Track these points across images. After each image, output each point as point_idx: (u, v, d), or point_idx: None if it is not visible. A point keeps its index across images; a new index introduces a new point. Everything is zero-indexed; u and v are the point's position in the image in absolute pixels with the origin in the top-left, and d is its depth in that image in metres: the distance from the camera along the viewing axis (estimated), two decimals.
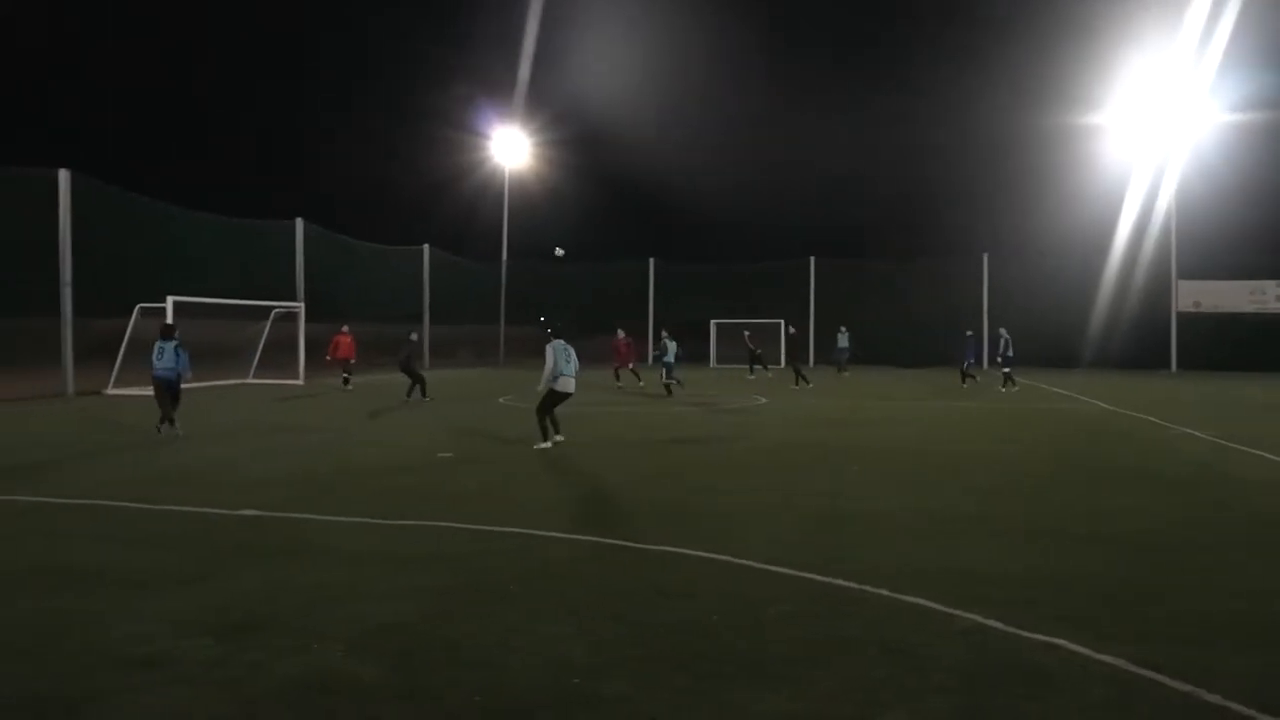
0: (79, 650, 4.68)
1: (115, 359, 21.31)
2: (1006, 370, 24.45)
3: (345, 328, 23.81)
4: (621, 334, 25.57)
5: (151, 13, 64.58)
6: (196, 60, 66.43)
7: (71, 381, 20.43)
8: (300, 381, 25.59)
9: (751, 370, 30.40)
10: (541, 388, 12.56)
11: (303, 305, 26.79)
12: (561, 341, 12.55)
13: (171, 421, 13.50)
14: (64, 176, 20.41)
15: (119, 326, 21.46)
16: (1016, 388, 24.04)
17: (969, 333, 27.23)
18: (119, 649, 4.67)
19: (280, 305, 26.18)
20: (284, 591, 5.68)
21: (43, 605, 5.43)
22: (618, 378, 25.27)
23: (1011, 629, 5.00)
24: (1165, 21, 36.76)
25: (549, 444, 12.26)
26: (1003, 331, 25.08)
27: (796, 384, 25.78)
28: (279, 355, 26.94)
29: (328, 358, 23.76)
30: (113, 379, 21.14)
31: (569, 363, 12.44)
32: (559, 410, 12.72)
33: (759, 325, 40.31)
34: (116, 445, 12.95)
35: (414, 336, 21.80)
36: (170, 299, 20.61)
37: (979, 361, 28.02)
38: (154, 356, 13.77)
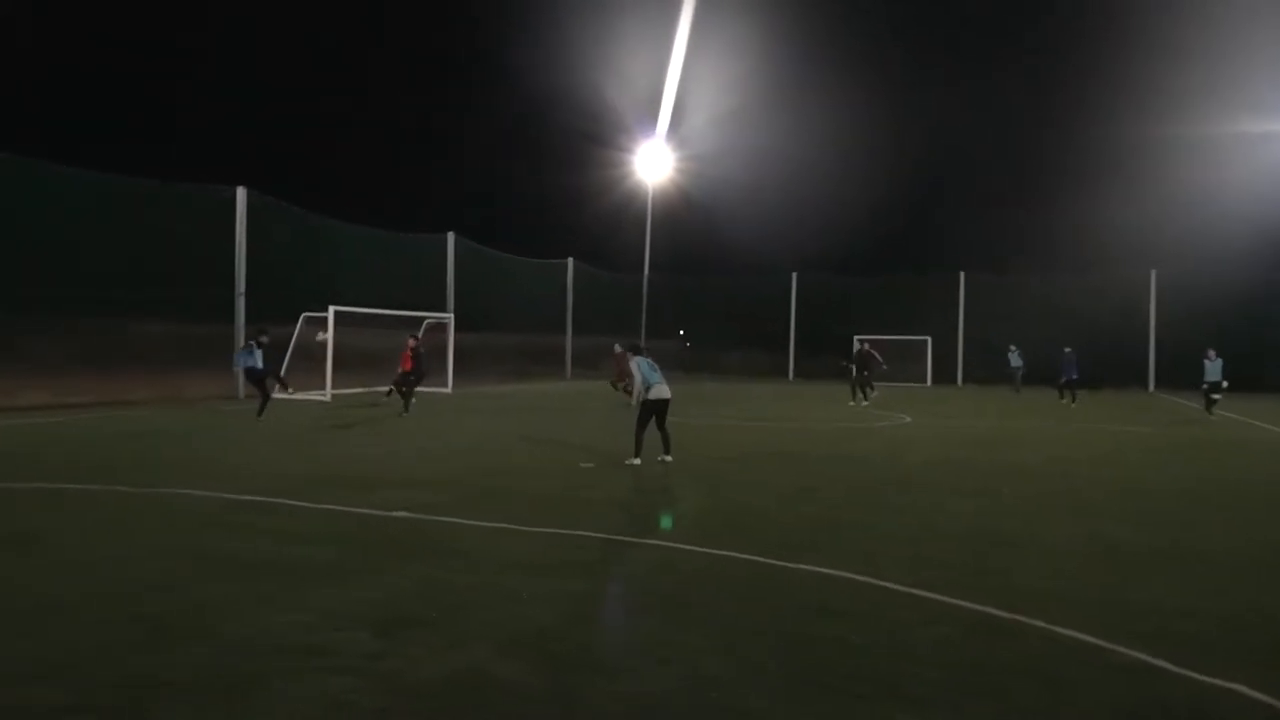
0: (245, 636, 4.96)
1: (281, 364, 22.61)
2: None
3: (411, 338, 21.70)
4: (618, 347, 23.01)
5: (311, 34, 68.61)
6: (356, 79, 70.19)
7: (242, 385, 21.81)
8: (448, 390, 26.52)
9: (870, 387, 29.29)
10: (635, 404, 12.59)
11: (452, 316, 27.78)
12: (643, 357, 12.62)
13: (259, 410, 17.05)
14: (241, 193, 21.99)
15: (285, 334, 22.79)
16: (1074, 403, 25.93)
17: (1067, 349, 27.05)
18: (283, 637, 4.94)
19: (431, 315, 27.22)
20: (435, 591, 5.88)
21: (211, 593, 5.78)
22: (615, 388, 23.66)
23: (1181, 670, 4.68)
24: None
25: (639, 460, 12.05)
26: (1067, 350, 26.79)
27: (854, 399, 25.06)
28: (429, 364, 27.96)
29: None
30: (279, 383, 22.41)
31: (655, 371, 12.43)
32: (673, 432, 12.62)
33: (904, 342, 39.33)
34: (279, 446, 13.73)
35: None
36: (332, 309, 21.79)
37: (1081, 379, 27.67)
38: None
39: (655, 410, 12.34)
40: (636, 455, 12.13)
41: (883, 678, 4.54)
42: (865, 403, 24.58)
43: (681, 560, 6.98)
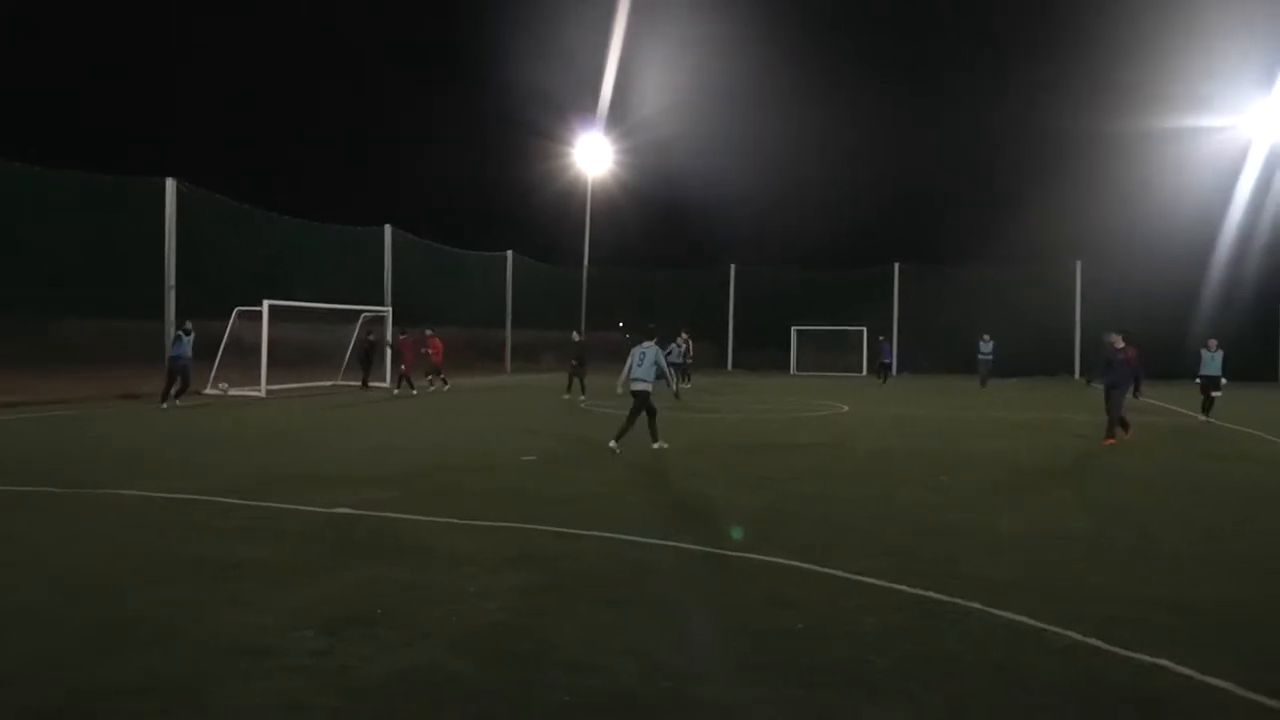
0: (194, 637, 4.88)
1: (214, 360, 22.14)
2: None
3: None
4: (403, 334, 24.31)
5: (241, 20, 67.06)
6: (288, 68, 68.62)
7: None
8: (386, 384, 26.19)
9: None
10: (619, 390, 13.01)
11: (390, 310, 27.43)
12: (648, 343, 12.82)
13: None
14: (170, 185, 21.40)
15: (218, 329, 22.28)
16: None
17: (880, 337, 31.19)
18: (232, 638, 4.86)
19: (368, 309, 26.85)
20: (384, 588, 5.83)
21: (158, 595, 5.66)
22: (399, 385, 23.81)
23: (1112, 648, 4.87)
24: (1273, 19, 35.41)
25: (615, 446, 12.42)
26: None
27: (568, 391, 22.57)
28: (363, 358, 27.64)
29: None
30: (211, 379, 21.94)
31: (640, 365, 12.67)
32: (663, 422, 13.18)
33: (841, 332, 39.95)
34: (215, 443, 13.45)
35: (576, 336, 23.19)
36: (266, 303, 21.37)
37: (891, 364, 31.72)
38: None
39: (637, 404, 12.78)
40: (617, 439, 12.52)
41: (837, 665, 4.62)
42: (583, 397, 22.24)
43: (633, 552, 7.01)
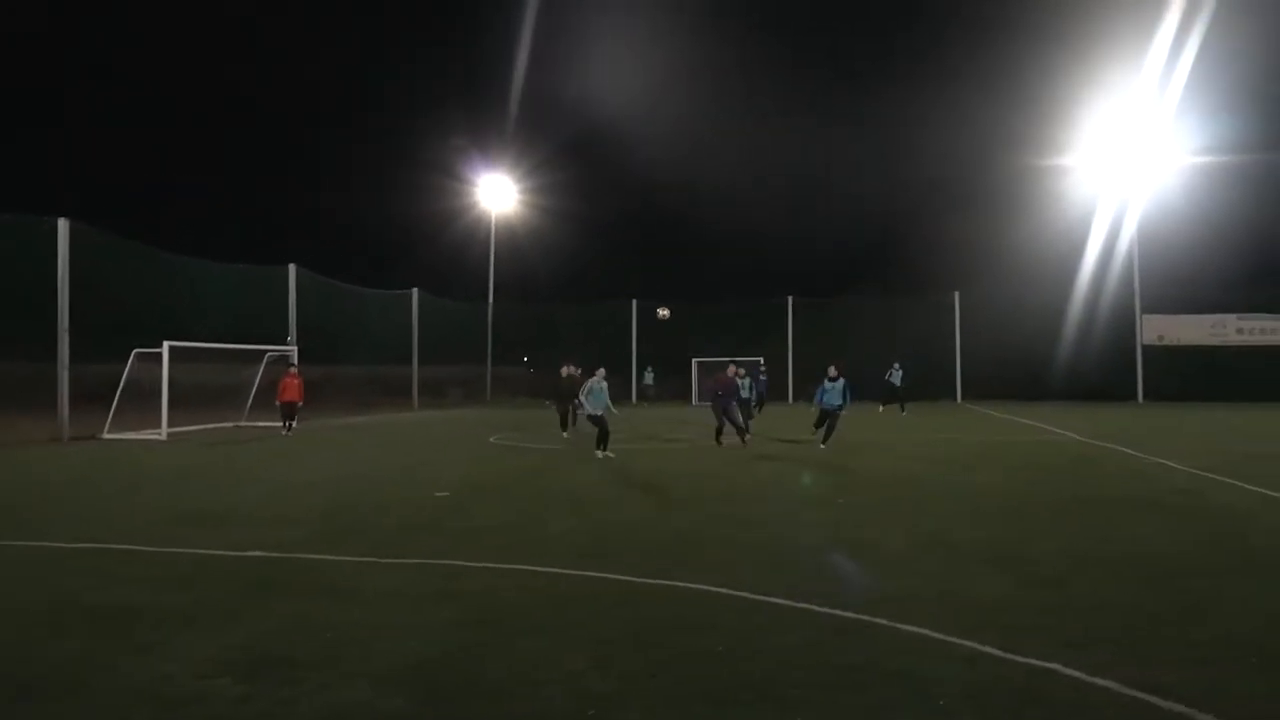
0: (111, 691, 4.76)
1: (111, 403, 21.40)
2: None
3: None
4: (293, 370, 23.85)
5: (144, 58, 65.26)
6: (189, 107, 66.99)
7: (67, 426, 20.52)
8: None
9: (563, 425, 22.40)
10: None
11: (295, 349, 27.00)
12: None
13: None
14: (63, 225, 20.59)
15: (115, 371, 21.55)
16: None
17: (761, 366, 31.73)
18: (149, 689, 4.76)
19: (273, 349, 26.38)
20: (303, 630, 5.79)
21: (67, 648, 5.50)
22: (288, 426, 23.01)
23: (1007, 655, 5.20)
24: (1129, 66, 38.20)
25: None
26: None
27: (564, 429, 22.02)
28: (272, 398, 27.12)
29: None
30: (108, 423, 21.21)
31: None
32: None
33: (739, 364, 40.93)
34: (116, 489, 13.01)
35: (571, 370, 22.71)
36: (166, 344, 20.83)
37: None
38: None
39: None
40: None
41: (753, 683, 4.83)
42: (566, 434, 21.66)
43: (553, 584, 7.10)
